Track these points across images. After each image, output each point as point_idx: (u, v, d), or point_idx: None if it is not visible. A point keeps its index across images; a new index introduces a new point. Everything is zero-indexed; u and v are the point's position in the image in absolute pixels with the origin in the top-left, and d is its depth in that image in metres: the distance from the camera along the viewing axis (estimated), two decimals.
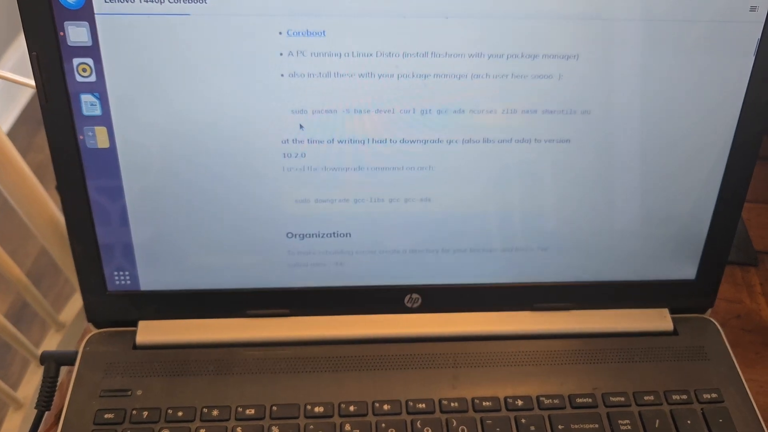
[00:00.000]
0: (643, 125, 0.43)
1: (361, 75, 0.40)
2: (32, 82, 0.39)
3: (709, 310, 0.49)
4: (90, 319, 0.46)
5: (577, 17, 0.39)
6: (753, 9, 0.41)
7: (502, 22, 0.39)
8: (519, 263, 0.47)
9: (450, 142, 0.42)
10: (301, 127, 0.41)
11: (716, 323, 0.48)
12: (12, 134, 1.68)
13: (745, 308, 0.53)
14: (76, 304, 0.85)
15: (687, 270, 0.48)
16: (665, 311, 0.49)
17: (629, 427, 0.43)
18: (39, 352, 0.78)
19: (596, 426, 0.43)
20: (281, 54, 0.39)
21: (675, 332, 0.48)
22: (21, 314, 1.36)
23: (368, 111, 0.41)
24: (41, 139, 0.42)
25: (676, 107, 0.42)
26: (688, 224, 0.46)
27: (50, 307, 0.78)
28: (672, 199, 0.45)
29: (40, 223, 0.71)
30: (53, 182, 0.42)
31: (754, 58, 0.42)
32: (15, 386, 0.80)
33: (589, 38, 0.40)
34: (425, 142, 0.42)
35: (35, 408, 0.45)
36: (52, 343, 0.79)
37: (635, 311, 0.48)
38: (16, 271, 0.71)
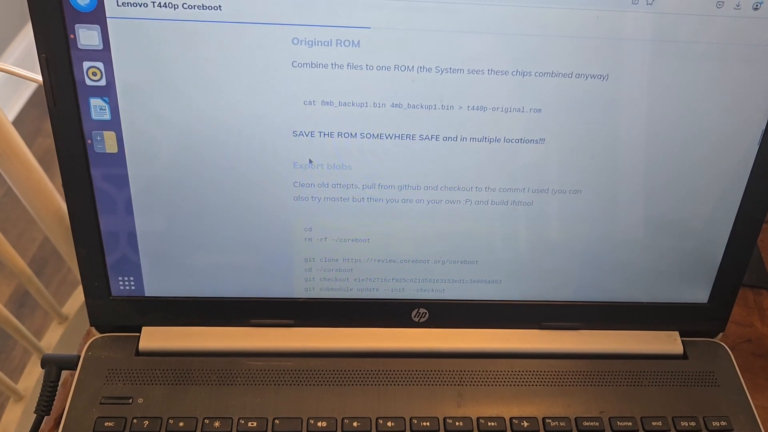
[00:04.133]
0: (664, 146, 0.42)
1: (375, 84, 0.39)
2: (36, 77, 0.39)
3: (720, 334, 0.48)
4: (93, 323, 0.46)
5: (605, 38, 0.39)
6: None
7: (534, 39, 0.39)
8: (528, 280, 0.46)
9: (463, 139, 0.41)
10: (310, 162, 0.41)
11: (727, 348, 0.48)
12: (20, 118, 1.68)
13: (756, 332, 0.52)
14: (79, 296, 0.85)
15: (699, 293, 0.47)
16: (675, 334, 0.48)
17: None
18: (40, 343, 0.78)
19: None
20: (295, 64, 0.38)
21: (685, 356, 0.47)
22: (24, 299, 1.36)
23: (384, 106, 0.40)
24: (50, 124, 0.41)
25: (697, 128, 0.41)
26: (703, 247, 0.45)
27: (53, 300, 0.77)
28: (688, 221, 0.44)
29: (44, 215, 0.71)
30: None
31: None
32: (16, 376, 0.80)
33: (615, 59, 0.39)
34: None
35: (34, 413, 0.45)
36: (54, 336, 0.79)
37: (645, 333, 0.48)
38: (20, 263, 0.71)
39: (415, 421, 0.43)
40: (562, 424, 0.43)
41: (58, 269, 1.42)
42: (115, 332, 0.46)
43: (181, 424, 0.42)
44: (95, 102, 0.39)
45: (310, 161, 0.41)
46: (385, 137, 0.41)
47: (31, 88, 1.73)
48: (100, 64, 0.38)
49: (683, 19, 0.38)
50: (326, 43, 0.38)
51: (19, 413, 0.75)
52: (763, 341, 0.52)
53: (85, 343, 0.45)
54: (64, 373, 0.47)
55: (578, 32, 0.38)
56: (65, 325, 0.80)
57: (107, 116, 0.39)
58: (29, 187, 0.68)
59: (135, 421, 0.42)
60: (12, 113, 1.67)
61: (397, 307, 0.46)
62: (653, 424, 0.44)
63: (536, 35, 0.38)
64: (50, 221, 0.70)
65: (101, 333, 0.46)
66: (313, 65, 0.38)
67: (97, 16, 0.37)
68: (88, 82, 0.38)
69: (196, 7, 0.37)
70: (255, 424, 0.42)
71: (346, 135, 0.41)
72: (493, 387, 0.45)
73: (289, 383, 0.44)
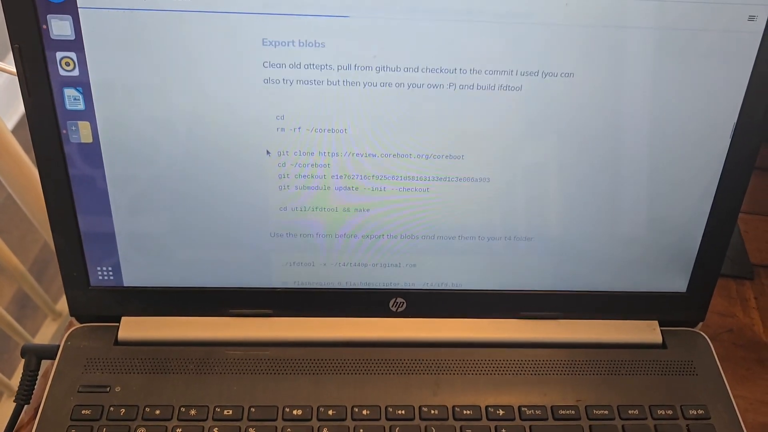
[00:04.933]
0: (637, 134, 0.42)
1: (344, 75, 0.39)
2: None
3: (700, 324, 0.48)
4: (73, 314, 0.46)
5: (576, 26, 0.39)
6: (752, 18, 0.40)
7: (503, 28, 0.39)
8: (507, 270, 0.46)
9: (436, 180, 0.42)
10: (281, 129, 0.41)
11: (706, 337, 0.47)
12: (23, 123, 1.69)
13: (737, 322, 0.52)
14: None
15: (678, 282, 0.47)
16: (654, 323, 0.48)
17: None
18: (34, 339, 0.78)
19: None
20: (265, 48, 0.39)
21: (664, 345, 0.47)
22: (26, 300, 1.37)
23: (360, 155, 0.41)
24: None
25: (672, 116, 0.42)
26: (681, 236, 0.45)
27: (46, 296, 0.78)
28: (664, 210, 0.44)
29: (41, 217, 0.72)
30: None
31: (752, 67, 0.41)
32: (13, 374, 0.81)
33: (586, 48, 0.39)
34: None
35: (14, 401, 0.45)
36: (48, 331, 0.80)
37: (624, 322, 0.48)
38: (13, 260, 0.72)
39: (391, 410, 0.43)
40: (538, 412, 0.43)
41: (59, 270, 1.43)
42: (95, 322, 0.46)
43: (158, 411, 0.42)
44: (69, 92, 0.39)
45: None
46: (361, 177, 0.41)
47: None
48: (72, 54, 0.38)
49: (657, 5, 0.38)
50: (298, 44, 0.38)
51: (13, 408, 0.75)
52: (745, 332, 0.52)
53: (66, 334, 0.46)
54: (47, 365, 0.47)
55: (548, 20, 0.39)
56: (59, 321, 0.81)
57: (81, 106, 0.40)
58: (28, 192, 0.69)
59: (112, 408, 0.42)
60: (14, 118, 1.68)
61: (375, 297, 0.46)
62: (630, 412, 0.44)
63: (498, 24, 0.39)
64: (47, 222, 0.71)
65: (81, 323, 0.46)
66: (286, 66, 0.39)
67: (68, 6, 0.37)
68: (62, 72, 0.39)
69: None
70: (231, 412, 0.42)
71: (318, 131, 0.41)
72: (469, 376, 0.45)
73: (266, 372, 0.44)
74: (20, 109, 1.70)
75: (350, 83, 0.40)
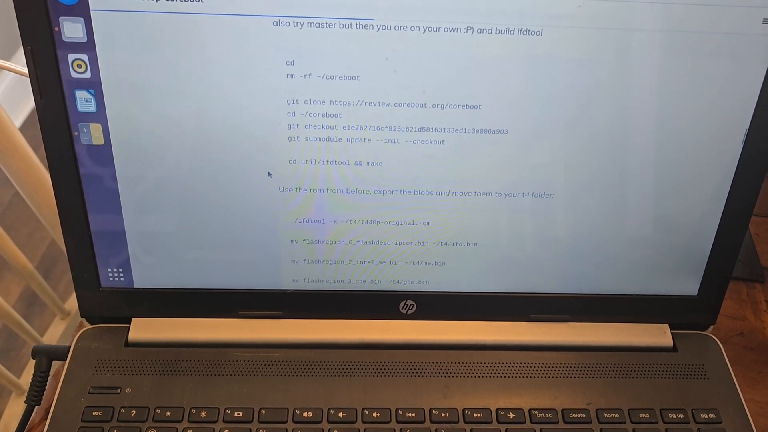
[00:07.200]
0: (650, 137, 0.42)
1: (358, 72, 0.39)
2: None
3: (711, 327, 0.48)
4: (83, 315, 0.46)
5: (590, 27, 0.39)
6: (766, 21, 0.39)
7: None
8: (517, 272, 0.46)
9: (452, 131, 0.41)
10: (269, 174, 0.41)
11: (717, 341, 0.47)
12: (30, 121, 1.69)
13: (748, 326, 0.52)
14: None
15: (689, 285, 0.47)
16: (665, 327, 0.48)
17: None
18: (43, 338, 0.78)
19: None
20: (278, 50, 0.38)
21: (674, 349, 0.47)
22: (34, 298, 1.38)
23: (373, 105, 0.40)
24: None
25: (685, 119, 0.41)
26: (692, 238, 0.45)
27: (55, 295, 0.78)
28: (676, 213, 0.44)
29: (48, 214, 0.72)
30: None
31: (766, 69, 0.40)
32: (26, 373, 0.81)
33: (597, 48, 0.39)
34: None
35: (24, 402, 0.45)
36: (56, 331, 0.80)
37: (634, 326, 0.47)
38: (22, 259, 0.72)
39: (401, 412, 0.43)
40: (548, 415, 0.43)
41: (67, 268, 1.43)
42: (106, 323, 0.46)
43: (168, 413, 0.42)
44: (81, 94, 0.39)
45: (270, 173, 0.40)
46: (374, 128, 0.41)
47: None
48: (84, 56, 0.38)
49: (671, 8, 0.38)
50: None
51: (22, 407, 0.76)
52: (756, 335, 0.51)
53: (77, 335, 0.46)
54: (57, 365, 0.47)
55: (560, 22, 0.38)
56: (67, 320, 0.81)
57: (93, 108, 0.40)
58: (32, 186, 0.69)
59: (122, 410, 0.42)
60: (22, 116, 1.69)
61: (385, 299, 0.46)
62: (640, 416, 0.43)
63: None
64: (55, 220, 0.71)
65: (92, 324, 0.46)
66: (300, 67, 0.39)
67: (80, 8, 0.37)
68: (74, 75, 0.39)
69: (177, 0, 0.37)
70: (241, 413, 0.42)
71: (329, 139, 0.41)
72: (480, 378, 0.45)
73: (276, 374, 0.44)
74: (28, 107, 1.70)
75: (363, 26, 0.38)
